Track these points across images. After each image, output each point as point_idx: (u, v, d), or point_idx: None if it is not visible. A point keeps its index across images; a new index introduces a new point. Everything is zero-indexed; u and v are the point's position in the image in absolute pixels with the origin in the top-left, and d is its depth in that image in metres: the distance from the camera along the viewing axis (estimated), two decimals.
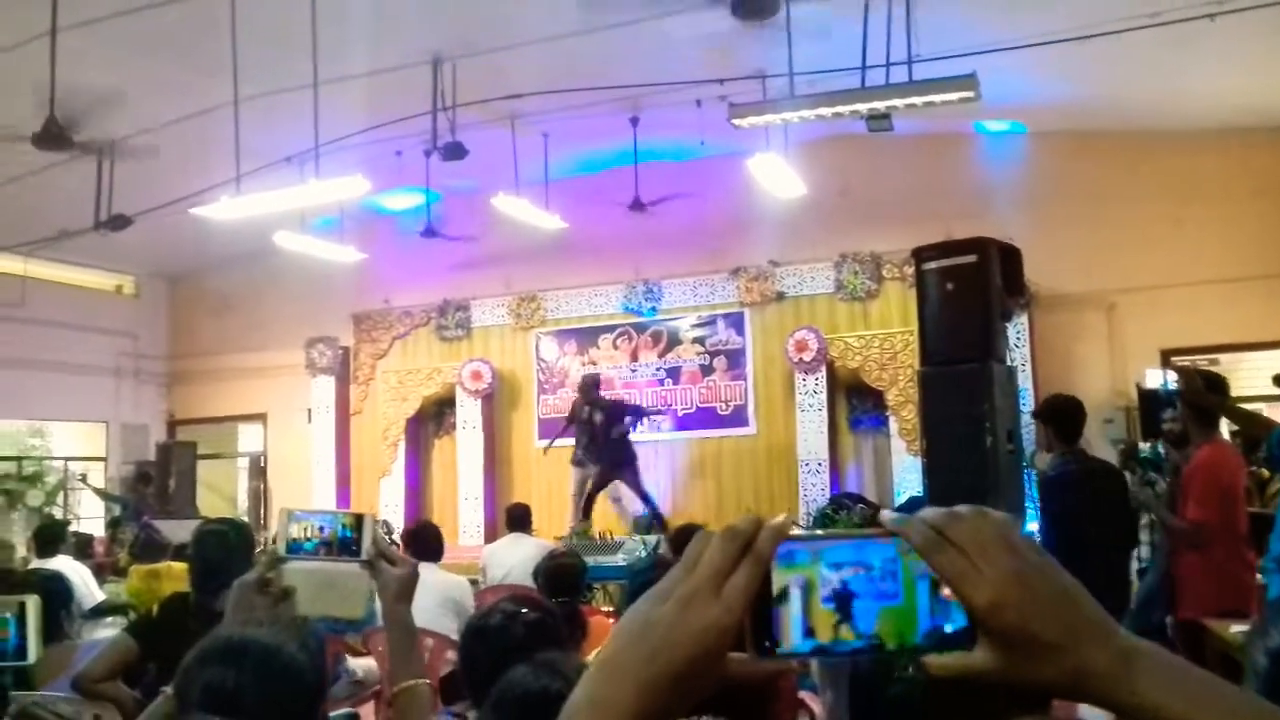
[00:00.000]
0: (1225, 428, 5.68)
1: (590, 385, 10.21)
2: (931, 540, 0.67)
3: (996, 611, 0.65)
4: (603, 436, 9.89)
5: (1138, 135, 9.59)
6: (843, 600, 0.69)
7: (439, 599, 4.99)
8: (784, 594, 0.68)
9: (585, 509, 9.88)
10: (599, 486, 9.94)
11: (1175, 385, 4.83)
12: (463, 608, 5.22)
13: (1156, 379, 4.99)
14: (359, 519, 1.78)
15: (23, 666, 2.20)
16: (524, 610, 2.13)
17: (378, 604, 1.81)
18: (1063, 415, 5.51)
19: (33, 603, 2.07)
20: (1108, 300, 9.88)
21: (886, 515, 0.69)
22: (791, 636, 0.68)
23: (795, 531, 0.70)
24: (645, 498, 10.01)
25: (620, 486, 10.14)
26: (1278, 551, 4.30)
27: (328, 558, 1.76)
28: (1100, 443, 9.08)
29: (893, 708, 1.15)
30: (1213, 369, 9.79)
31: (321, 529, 1.77)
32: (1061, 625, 0.66)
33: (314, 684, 1.51)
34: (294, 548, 1.76)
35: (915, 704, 1.09)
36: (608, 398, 10.41)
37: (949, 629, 0.68)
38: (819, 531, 0.71)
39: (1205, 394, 4.67)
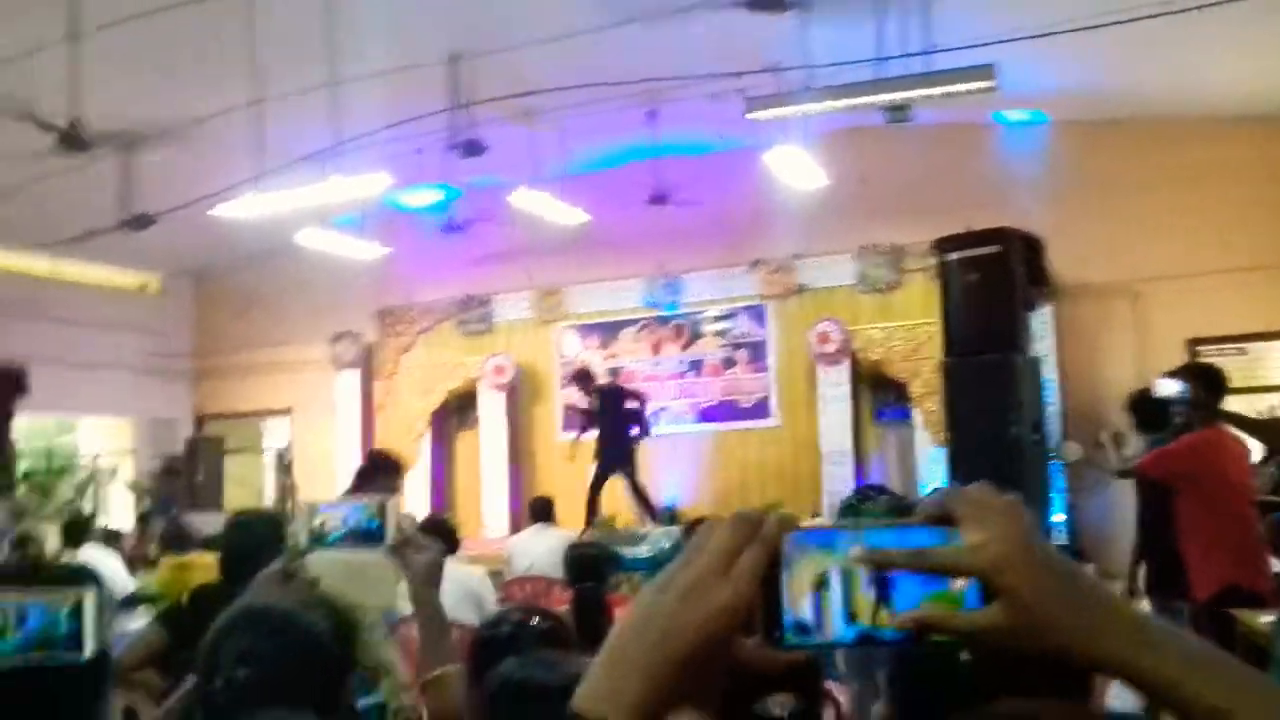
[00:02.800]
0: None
1: (583, 376, 10.14)
2: (912, 556, 0.67)
3: (1003, 568, 0.65)
4: (611, 428, 9.84)
5: (1160, 122, 9.48)
6: (883, 584, 0.67)
7: (460, 591, 5.04)
8: (823, 580, 0.67)
9: (591, 509, 9.80)
10: (600, 483, 9.84)
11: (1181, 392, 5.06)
12: (481, 599, 5.27)
13: (1172, 387, 5.11)
14: (382, 507, 1.78)
15: (78, 661, 2.19)
16: (535, 619, 2.12)
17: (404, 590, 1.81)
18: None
19: (91, 596, 2.05)
20: (1133, 289, 9.79)
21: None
22: (833, 624, 0.67)
23: (808, 523, 0.70)
24: (643, 497, 9.93)
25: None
26: None
27: (354, 547, 1.76)
28: (1128, 433, 9.01)
29: (932, 681, 1.11)
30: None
31: (346, 519, 1.77)
32: (1070, 587, 0.66)
33: (337, 653, 1.51)
34: (318, 539, 1.76)
35: (951, 676, 1.06)
36: (610, 385, 10.31)
37: None
38: (843, 520, 0.71)
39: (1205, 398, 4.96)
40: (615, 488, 10.20)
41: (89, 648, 1.78)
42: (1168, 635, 0.67)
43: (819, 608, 0.67)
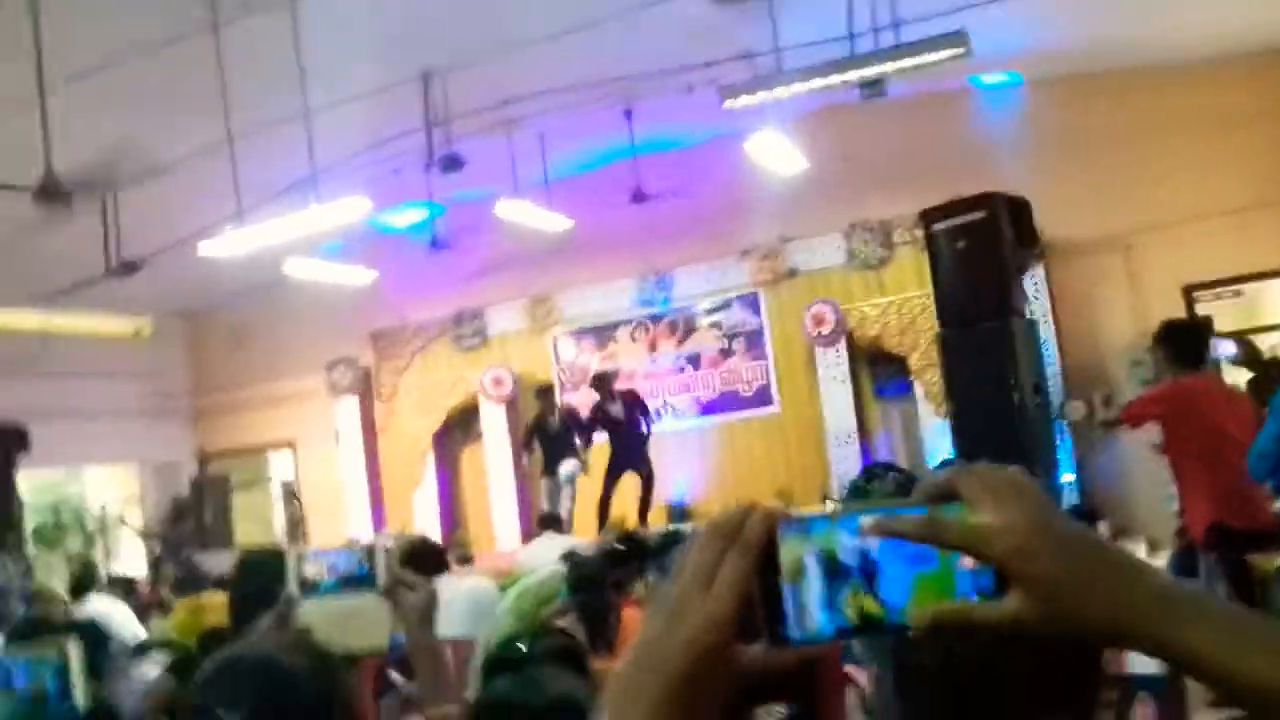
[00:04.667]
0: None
1: (606, 379, 10.18)
2: (924, 525, 0.64)
3: (1021, 556, 0.63)
4: (626, 431, 9.87)
5: (1139, 72, 9.41)
6: (867, 569, 0.64)
7: (469, 604, 5.06)
8: (799, 568, 0.64)
9: (603, 513, 9.81)
10: (613, 483, 9.87)
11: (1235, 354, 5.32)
12: (491, 612, 5.27)
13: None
14: (370, 551, 1.79)
15: (75, 716, 2.19)
16: (546, 639, 2.13)
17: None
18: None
19: (75, 647, 2.05)
20: (1124, 242, 9.75)
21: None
22: (813, 616, 0.64)
23: (798, 513, 0.67)
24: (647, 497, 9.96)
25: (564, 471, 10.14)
26: None
27: (345, 593, 1.77)
28: (1129, 385, 9.00)
29: (918, 677, 1.08)
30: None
31: (336, 566, 1.78)
32: (1091, 566, 0.64)
33: (315, 692, 1.51)
34: (310, 588, 1.77)
35: (937, 671, 1.03)
36: (622, 390, 10.38)
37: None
38: (828, 510, 0.68)
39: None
40: (624, 489, 10.18)
41: (81, 701, 1.77)
42: (1200, 605, 0.64)
43: (797, 598, 0.64)
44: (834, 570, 0.64)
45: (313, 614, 1.75)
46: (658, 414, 10.32)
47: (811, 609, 0.64)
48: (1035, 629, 0.63)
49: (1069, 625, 0.63)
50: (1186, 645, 0.62)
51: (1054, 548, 0.63)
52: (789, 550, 0.64)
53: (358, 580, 1.76)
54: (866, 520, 0.64)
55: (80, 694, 2.01)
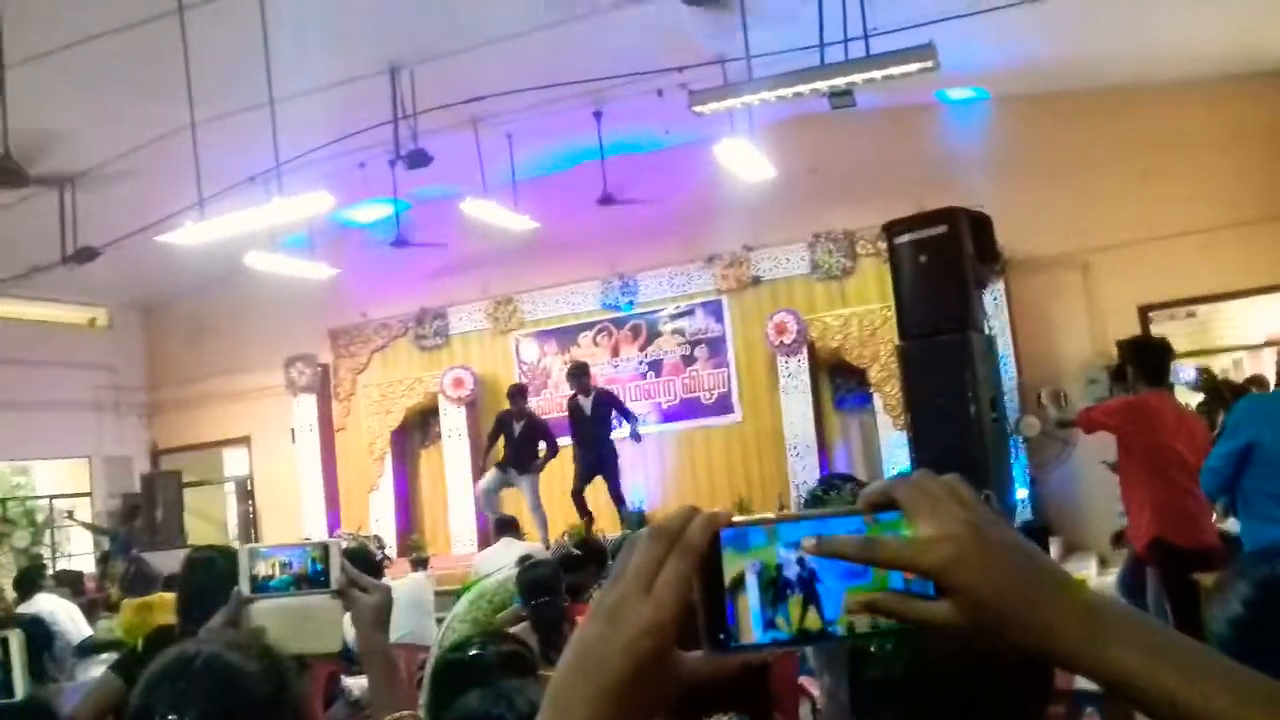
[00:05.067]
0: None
1: (582, 372, 9.96)
2: (861, 546, 0.65)
3: (955, 567, 0.63)
4: (592, 428, 9.75)
5: (1104, 92, 9.55)
6: (805, 579, 0.65)
7: (412, 604, 5.01)
8: (739, 581, 0.65)
9: (580, 508, 9.62)
10: (583, 484, 9.68)
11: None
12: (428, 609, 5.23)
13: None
14: (325, 550, 1.74)
15: (10, 704, 2.14)
16: (497, 645, 2.10)
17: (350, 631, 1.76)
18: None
19: (16, 637, 2.02)
20: (1082, 260, 9.87)
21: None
22: (751, 629, 0.64)
23: (740, 518, 0.66)
24: (620, 500, 9.81)
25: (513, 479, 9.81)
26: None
27: (298, 593, 1.71)
28: (1082, 402, 9.10)
29: (875, 691, 1.10)
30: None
31: (289, 564, 1.73)
32: (1022, 579, 0.64)
33: (265, 693, 1.47)
34: (261, 586, 1.71)
35: (896, 684, 1.04)
36: (602, 389, 10.20)
37: None
38: (769, 515, 0.68)
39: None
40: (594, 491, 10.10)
41: (19, 689, 1.73)
42: (1127, 624, 0.63)
43: (734, 611, 0.65)
44: (770, 579, 0.65)
45: (264, 614, 1.70)
46: (620, 421, 10.13)
47: (749, 617, 0.64)
48: (963, 635, 0.64)
49: (995, 636, 0.64)
50: (1109, 663, 0.62)
51: (985, 558, 0.64)
52: (728, 558, 0.65)
53: (310, 579, 1.71)
54: (808, 541, 0.64)
55: (20, 685, 1.96)
